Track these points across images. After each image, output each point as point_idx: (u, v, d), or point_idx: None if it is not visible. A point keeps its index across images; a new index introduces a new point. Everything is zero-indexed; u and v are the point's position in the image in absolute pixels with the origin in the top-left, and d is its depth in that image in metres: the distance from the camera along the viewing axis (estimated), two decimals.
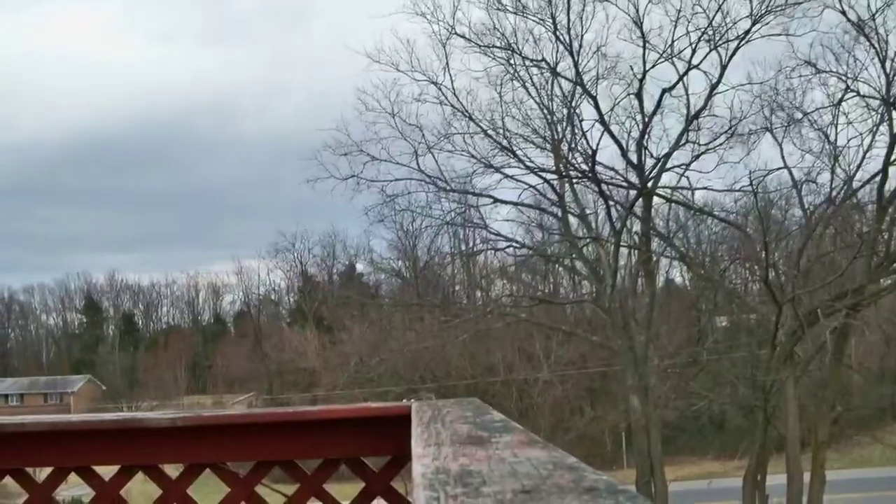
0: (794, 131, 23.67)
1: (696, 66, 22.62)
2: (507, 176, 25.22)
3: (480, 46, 23.67)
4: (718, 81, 22.78)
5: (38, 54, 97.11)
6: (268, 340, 67.73)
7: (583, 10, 23.07)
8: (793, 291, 23.04)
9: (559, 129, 24.98)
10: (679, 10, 22.07)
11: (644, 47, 22.57)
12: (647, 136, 23.84)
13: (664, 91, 23.04)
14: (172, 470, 2.75)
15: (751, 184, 23.73)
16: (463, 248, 38.05)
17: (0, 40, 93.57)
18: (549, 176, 25.74)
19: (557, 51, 23.68)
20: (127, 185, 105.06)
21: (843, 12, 21.40)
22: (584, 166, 24.97)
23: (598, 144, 24.27)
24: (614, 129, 24.02)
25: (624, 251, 28.47)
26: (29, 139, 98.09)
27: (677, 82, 22.92)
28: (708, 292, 35.80)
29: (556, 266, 36.93)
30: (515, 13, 23.48)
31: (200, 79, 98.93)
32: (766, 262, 23.19)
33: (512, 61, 24.17)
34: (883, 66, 21.66)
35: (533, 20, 23.52)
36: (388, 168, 24.80)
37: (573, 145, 25.01)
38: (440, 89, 24.00)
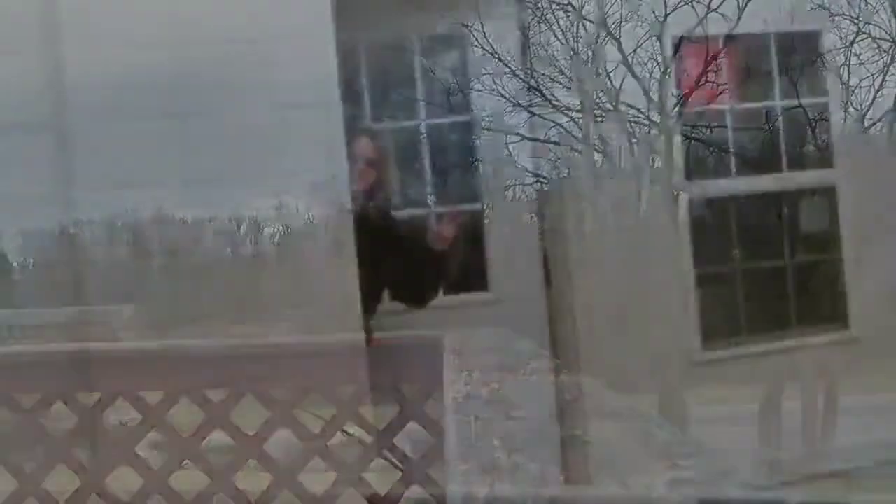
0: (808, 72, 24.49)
1: (715, 10, 23.42)
2: (534, 114, 26.23)
3: None
4: (736, 24, 23.56)
5: None
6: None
7: None
8: None
9: (584, 69, 25.92)
10: None
11: None
12: (667, 76, 24.74)
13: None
14: (216, 395, 2.82)
15: (766, 121, 24.61)
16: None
17: None
18: (574, 114, 26.72)
19: None
20: (171, 123, 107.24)
21: None
22: (608, 105, 25.97)
23: (621, 84, 25.21)
24: (636, 69, 24.93)
25: None
26: (71, 80, 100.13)
27: (697, 25, 23.75)
28: None
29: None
30: None
31: (244, 18, 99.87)
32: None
33: (539, 5, 25.09)
34: (893, 10, 22.35)
35: None
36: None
37: (598, 85, 25.94)
38: (470, 31, 25.02)
